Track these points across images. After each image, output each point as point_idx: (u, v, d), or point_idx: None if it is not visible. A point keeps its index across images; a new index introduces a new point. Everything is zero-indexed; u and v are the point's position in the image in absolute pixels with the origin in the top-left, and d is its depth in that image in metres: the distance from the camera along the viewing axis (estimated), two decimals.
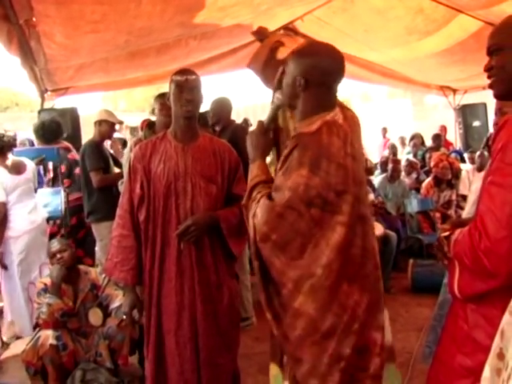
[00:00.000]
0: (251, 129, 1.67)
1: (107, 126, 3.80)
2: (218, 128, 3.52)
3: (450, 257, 1.28)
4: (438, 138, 7.19)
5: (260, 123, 1.67)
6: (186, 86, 2.03)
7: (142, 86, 4.77)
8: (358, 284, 1.43)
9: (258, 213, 1.47)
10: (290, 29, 5.36)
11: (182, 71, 2.10)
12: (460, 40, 4.59)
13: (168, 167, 2.09)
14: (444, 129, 8.23)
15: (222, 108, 3.50)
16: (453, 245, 1.24)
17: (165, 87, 3.14)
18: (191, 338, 2.04)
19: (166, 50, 3.75)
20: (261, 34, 2.13)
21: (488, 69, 1.29)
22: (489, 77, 1.29)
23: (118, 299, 2.77)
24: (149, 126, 3.24)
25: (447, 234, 1.31)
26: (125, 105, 23.31)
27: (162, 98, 2.97)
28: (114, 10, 2.83)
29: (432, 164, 5.54)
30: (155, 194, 2.08)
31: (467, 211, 2.00)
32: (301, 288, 1.41)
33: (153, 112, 3.20)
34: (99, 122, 3.77)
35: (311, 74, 1.48)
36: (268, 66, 1.95)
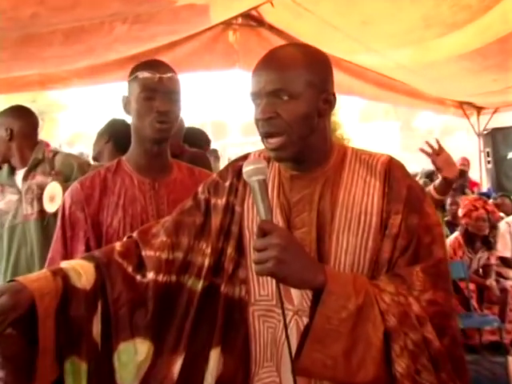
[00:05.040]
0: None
1: None
2: None
3: None
4: (462, 175, 7.25)
5: (270, 225, 1.45)
6: (160, 88, 1.92)
7: (30, 90, 4.54)
8: None
9: (422, 296, 1.47)
10: (252, 17, 5.36)
11: (152, 64, 1.99)
12: (500, 36, 4.66)
13: (131, 216, 1.98)
14: (467, 163, 8.38)
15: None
16: None
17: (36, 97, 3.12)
18: None
19: (78, 36, 3.55)
20: None
21: None
22: None
23: None
24: None
25: None
26: None
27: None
28: None
29: (461, 213, 5.54)
30: None
31: None
32: None
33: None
34: None
35: (332, 89, 1.61)
36: None
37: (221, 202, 1.75)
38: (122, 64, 4.55)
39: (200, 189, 1.82)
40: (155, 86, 1.91)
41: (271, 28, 5.43)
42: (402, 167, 1.62)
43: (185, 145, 3.60)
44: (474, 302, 5.33)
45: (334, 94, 1.60)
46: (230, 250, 1.71)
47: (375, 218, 1.54)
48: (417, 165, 10.21)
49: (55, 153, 3.25)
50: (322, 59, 1.62)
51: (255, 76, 1.57)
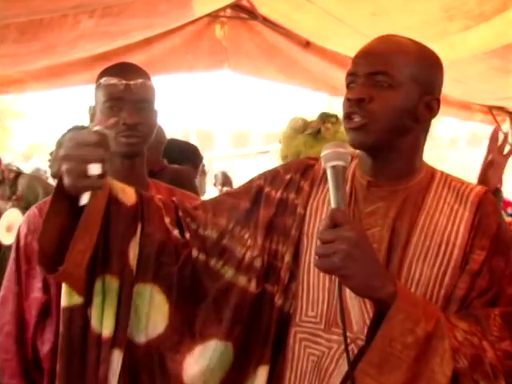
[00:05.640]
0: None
1: None
2: None
3: None
4: (494, 193, 7.24)
5: (343, 215, 1.43)
6: (127, 97, 1.96)
7: None
8: None
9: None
10: (243, 8, 5.40)
11: (119, 69, 2.04)
12: None
13: None
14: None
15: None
16: None
17: None
18: None
19: (36, 31, 3.57)
20: None
21: None
22: None
23: None
24: None
25: None
26: None
27: None
28: None
29: None
30: None
31: None
32: None
33: None
34: None
35: (439, 95, 1.67)
36: None
37: (275, 193, 1.78)
38: (88, 64, 4.58)
39: (256, 176, 1.85)
40: (121, 95, 1.95)
41: (265, 21, 5.44)
42: (496, 204, 1.67)
43: (164, 160, 3.59)
44: None
45: (438, 101, 1.66)
46: (287, 258, 1.72)
47: (457, 250, 1.57)
48: None
49: (17, 174, 3.25)
50: (435, 59, 1.69)
51: (357, 57, 1.64)
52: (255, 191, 1.79)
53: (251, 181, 1.84)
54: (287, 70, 5.72)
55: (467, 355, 1.42)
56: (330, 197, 1.49)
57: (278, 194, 1.77)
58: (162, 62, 5.03)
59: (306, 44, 5.55)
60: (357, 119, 1.57)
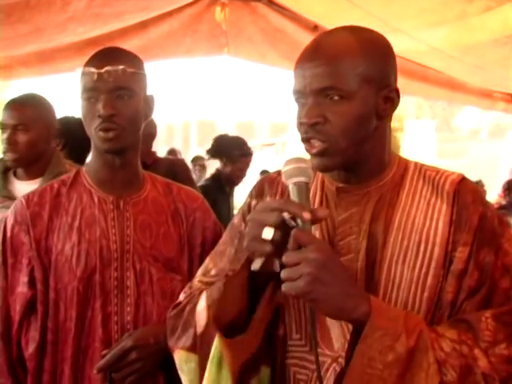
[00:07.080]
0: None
1: None
2: None
3: None
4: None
5: (307, 235, 1.44)
6: (101, 87, 1.95)
7: None
8: None
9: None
10: None
11: (98, 55, 2.03)
12: None
13: (88, 241, 2.03)
14: None
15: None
16: None
17: None
18: None
19: (22, 13, 3.59)
20: None
21: None
22: None
23: None
24: None
25: None
26: None
27: None
28: None
29: None
30: (60, 296, 2.01)
31: None
32: None
33: None
34: None
35: (395, 83, 1.62)
36: None
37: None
38: (80, 49, 4.58)
39: (236, 221, 1.82)
40: (94, 85, 1.95)
41: (270, 3, 5.42)
42: (474, 191, 1.62)
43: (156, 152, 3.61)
44: None
45: (397, 90, 1.60)
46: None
47: (438, 249, 1.54)
48: None
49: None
50: (382, 46, 1.63)
51: (298, 69, 1.59)
52: None
53: (235, 231, 1.80)
54: (293, 56, 5.64)
55: (455, 366, 1.41)
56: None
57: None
58: (159, 47, 5.05)
59: (314, 28, 5.54)
60: (316, 144, 1.54)
